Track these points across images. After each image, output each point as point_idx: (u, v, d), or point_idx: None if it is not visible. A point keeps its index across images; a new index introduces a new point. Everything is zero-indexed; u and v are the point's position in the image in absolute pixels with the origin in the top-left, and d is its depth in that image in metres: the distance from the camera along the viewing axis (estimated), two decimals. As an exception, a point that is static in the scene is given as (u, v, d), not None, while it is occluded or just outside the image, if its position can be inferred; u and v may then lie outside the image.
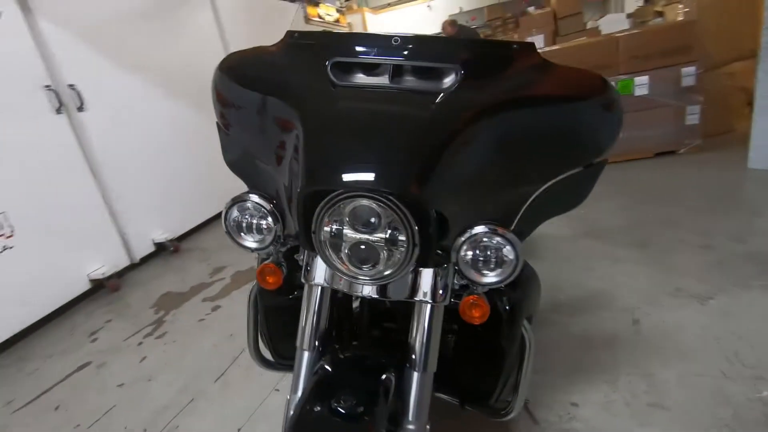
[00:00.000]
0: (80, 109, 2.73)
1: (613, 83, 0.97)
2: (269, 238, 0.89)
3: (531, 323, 1.14)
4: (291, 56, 0.96)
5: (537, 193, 0.97)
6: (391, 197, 0.72)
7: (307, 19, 6.35)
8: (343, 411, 0.77)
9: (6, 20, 2.39)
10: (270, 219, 0.88)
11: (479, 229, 0.78)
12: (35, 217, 2.44)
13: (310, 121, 0.82)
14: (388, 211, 0.73)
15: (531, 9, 8.51)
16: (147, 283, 2.93)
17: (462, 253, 0.80)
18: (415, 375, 0.88)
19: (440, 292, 0.86)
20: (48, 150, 2.57)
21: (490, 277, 0.81)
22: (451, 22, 5.28)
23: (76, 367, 2.11)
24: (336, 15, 7.69)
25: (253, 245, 0.90)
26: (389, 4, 12.93)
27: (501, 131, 0.85)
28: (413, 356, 0.88)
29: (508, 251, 0.78)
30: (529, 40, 3.93)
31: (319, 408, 0.79)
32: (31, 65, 2.51)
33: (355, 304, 1.13)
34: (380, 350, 0.98)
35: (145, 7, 3.29)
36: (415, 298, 0.86)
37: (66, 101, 2.66)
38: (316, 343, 0.93)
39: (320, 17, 6.96)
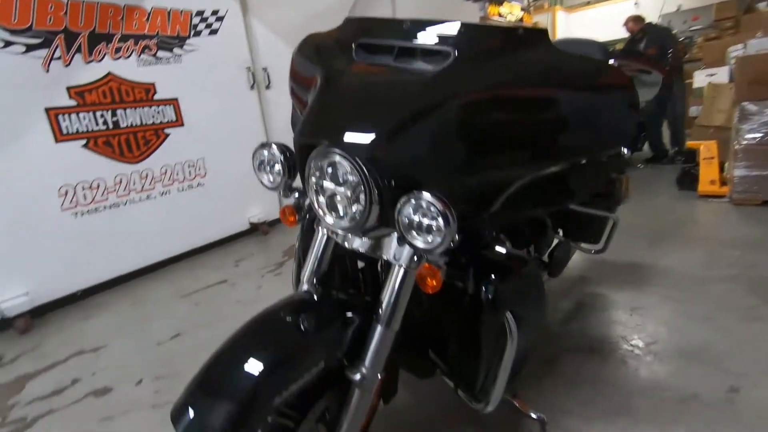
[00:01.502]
0: (267, 87, 3.46)
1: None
2: (278, 181, 1.07)
3: (528, 328, 1.14)
4: (338, 37, 1.12)
5: (523, 182, 1.00)
6: (355, 157, 0.84)
7: (486, 17, 6.37)
8: (303, 327, 0.94)
9: (230, 16, 3.19)
10: (278, 166, 1.05)
11: (420, 195, 0.81)
12: (222, 166, 3.22)
13: (320, 88, 0.99)
14: (354, 169, 0.84)
15: (762, 5, 6.57)
16: (288, 233, 3.55)
17: (402, 215, 0.84)
18: (378, 329, 0.98)
19: (407, 255, 0.94)
20: (239, 116, 3.35)
21: (419, 242, 0.85)
22: (635, 18, 4.67)
23: (218, 281, 2.77)
24: (520, 14, 7.51)
25: (268, 184, 1.08)
26: (588, 2, 11.50)
27: (488, 116, 0.89)
28: (380, 311, 0.97)
29: (439, 222, 0.80)
30: (753, 41, 3.36)
31: (287, 319, 0.96)
32: (241, 50, 3.29)
33: (362, 264, 1.30)
34: (362, 301, 1.07)
35: (333, 8, 3.89)
36: (383, 256, 0.99)
37: (258, 80, 3.40)
38: (314, 280, 1.09)
39: (500, 15, 6.90)
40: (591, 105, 0.99)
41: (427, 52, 0.93)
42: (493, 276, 1.07)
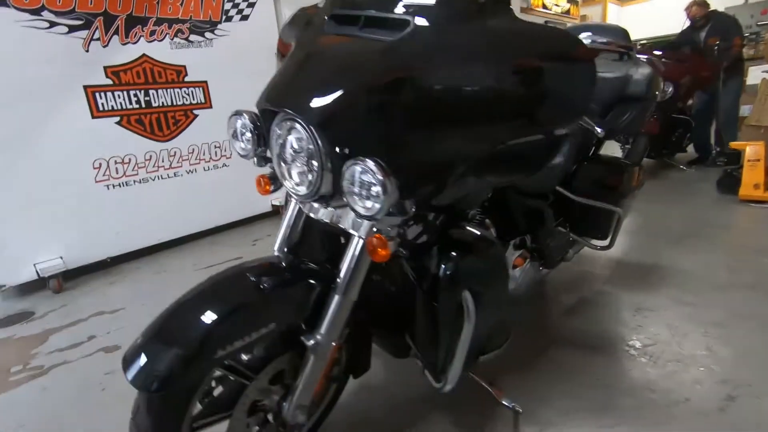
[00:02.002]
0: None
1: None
2: (249, 149, 1.07)
3: (488, 309, 1.14)
4: (319, 10, 1.12)
5: (479, 156, 0.98)
6: (308, 123, 0.86)
7: (528, 8, 6.15)
8: (262, 288, 0.97)
9: (262, 2, 3.29)
10: (249, 135, 1.05)
11: (361, 161, 0.82)
12: (247, 148, 3.34)
13: (287, 57, 1.02)
14: (308, 135, 0.87)
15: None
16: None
17: (345, 180, 0.86)
18: (336, 297, 1.01)
19: (366, 227, 0.96)
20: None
21: (359, 206, 0.87)
22: (700, 3, 4.31)
23: (234, 257, 2.89)
24: (567, 5, 7.21)
25: (240, 152, 1.09)
26: (646, -6, 10.70)
27: (443, 86, 0.88)
28: (338, 280, 1.01)
29: (378, 189, 0.82)
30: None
31: (249, 278, 1.00)
32: (271, 37, 3.38)
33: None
34: (328, 271, 1.06)
35: None
36: (342, 226, 1.02)
37: (287, 66, 3.49)
38: (285, 247, 1.14)
39: (545, 6, 6.66)
40: (550, 78, 0.97)
41: (390, 22, 0.93)
42: (453, 254, 1.08)
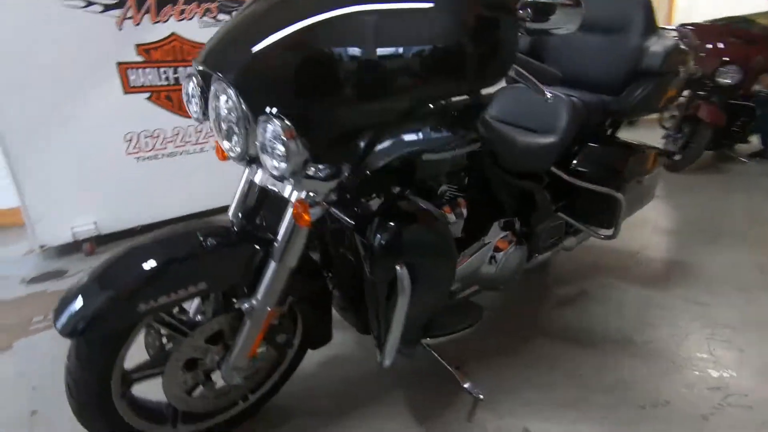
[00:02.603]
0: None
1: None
2: (199, 113, 1.05)
3: (427, 286, 1.12)
4: None
5: (399, 115, 0.95)
6: (228, 83, 0.87)
7: None
8: (202, 247, 1.01)
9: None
10: (196, 99, 1.03)
11: (268, 119, 0.83)
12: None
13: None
14: (234, 95, 0.87)
15: None
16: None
17: (258, 139, 0.87)
18: (272, 264, 1.04)
19: (301, 194, 0.95)
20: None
21: (270, 166, 0.88)
22: None
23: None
24: None
25: (193, 115, 1.08)
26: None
27: (353, 45, 0.86)
28: (275, 245, 1.05)
29: (281, 149, 0.84)
30: None
31: (193, 238, 1.03)
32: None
33: None
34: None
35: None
36: (276, 189, 1.01)
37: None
38: (240, 214, 1.14)
39: None
40: (462, 30, 0.92)
41: None
42: (391, 224, 1.06)
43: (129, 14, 2.84)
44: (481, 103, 1.10)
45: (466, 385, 1.38)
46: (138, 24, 2.88)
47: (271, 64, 0.88)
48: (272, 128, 0.83)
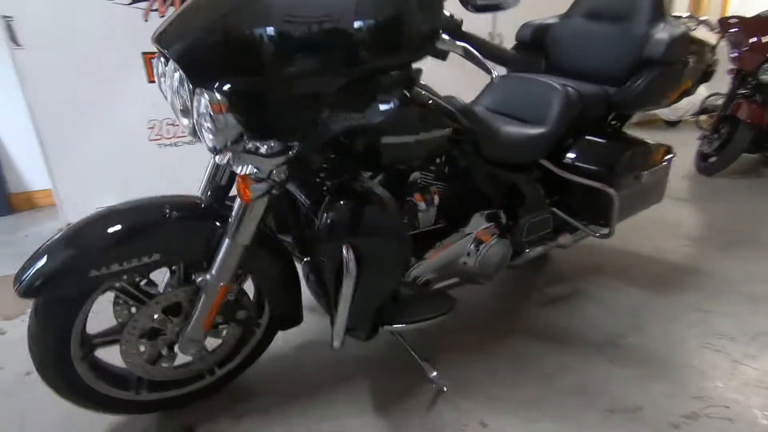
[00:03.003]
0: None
1: None
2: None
3: (374, 269, 1.12)
4: None
5: (329, 90, 0.95)
6: (170, 58, 0.90)
7: None
8: (164, 219, 1.06)
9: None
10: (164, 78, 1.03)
11: (201, 93, 0.85)
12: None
13: None
14: (177, 70, 0.90)
15: None
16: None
17: (194, 113, 0.90)
18: (226, 241, 1.07)
19: (244, 169, 0.95)
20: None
21: (204, 138, 0.91)
22: None
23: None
24: None
25: (163, 94, 1.07)
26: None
27: (283, 16, 0.87)
28: (229, 221, 1.07)
29: (209, 122, 0.85)
30: None
31: (158, 210, 1.07)
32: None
33: None
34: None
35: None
36: (230, 166, 1.01)
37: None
38: (209, 192, 1.18)
39: None
40: (390, 7, 0.92)
41: None
42: (339, 203, 1.06)
43: (154, 6, 2.97)
44: (411, 77, 1.07)
45: (431, 375, 1.37)
46: (163, 16, 3.01)
47: (207, 41, 0.90)
48: (203, 102, 0.86)
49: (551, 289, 1.93)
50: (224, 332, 1.27)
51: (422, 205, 1.34)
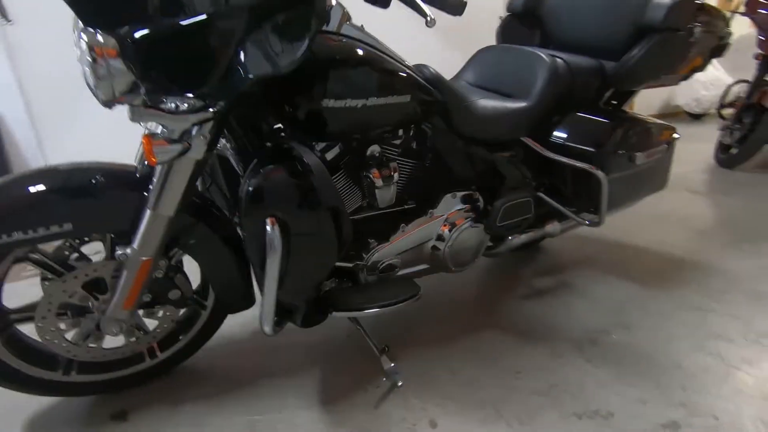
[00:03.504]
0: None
1: None
2: None
3: (302, 245, 1.03)
4: None
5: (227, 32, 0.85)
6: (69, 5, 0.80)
7: None
8: (91, 187, 0.98)
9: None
10: None
11: (85, 34, 0.78)
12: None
13: None
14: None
15: None
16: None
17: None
18: (148, 212, 0.98)
19: (150, 128, 0.89)
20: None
21: (96, 92, 0.84)
22: None
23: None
24: None
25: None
26: None
27: None
28: (150, 191, 0.97)
29: (89, 68, 0.79)
30: None
31: (88, 177, 0.98)
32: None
33: None
34: None
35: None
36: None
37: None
38: (146, 162, 1.11)
39: None
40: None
41: None
42: (261, 171, 0.96)
43: None
44: (318, 17, 0.92)
45: (387, 368, 1.25)
46: None
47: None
48: (83, 44, 0.76)
49: (538, 281, 1.78)
50: (159, 313, 1.18)
51: (379, 182, 1.22)
